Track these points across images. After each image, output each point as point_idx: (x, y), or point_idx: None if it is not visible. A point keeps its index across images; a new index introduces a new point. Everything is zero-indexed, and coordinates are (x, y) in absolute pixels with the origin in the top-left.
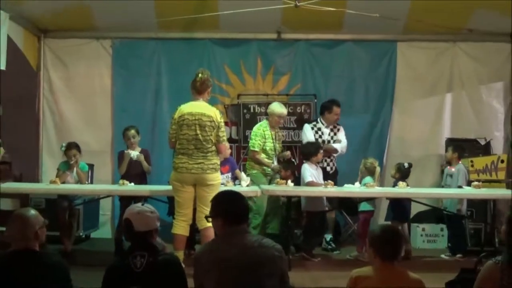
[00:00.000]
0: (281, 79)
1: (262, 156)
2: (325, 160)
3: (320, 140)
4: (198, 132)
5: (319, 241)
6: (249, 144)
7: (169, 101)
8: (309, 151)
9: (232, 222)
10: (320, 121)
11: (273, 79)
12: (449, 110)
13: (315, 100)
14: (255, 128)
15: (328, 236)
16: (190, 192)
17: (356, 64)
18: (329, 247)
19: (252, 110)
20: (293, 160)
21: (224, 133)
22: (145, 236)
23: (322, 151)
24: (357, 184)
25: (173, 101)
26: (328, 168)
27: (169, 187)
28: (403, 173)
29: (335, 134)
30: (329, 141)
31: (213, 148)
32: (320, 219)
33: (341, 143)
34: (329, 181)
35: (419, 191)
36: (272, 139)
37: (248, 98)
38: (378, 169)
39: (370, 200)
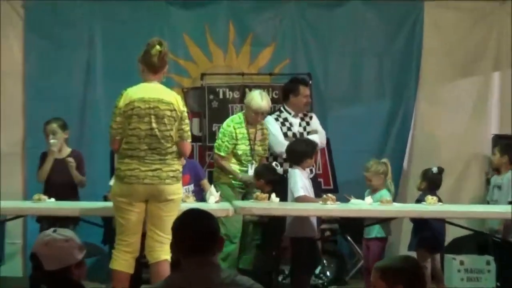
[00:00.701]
0: (262, 52)
1: (232, 162)
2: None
3: (290, 134)
4: (154, 125)
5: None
6: (214, 145)
7: (106, 84)
8: (301, 152)
9: (196, 251)
10: (285, 109)
11: (251, 53)
12: (496, 96)
13: (310, 82)
14: (224, 124)
15: (317, 269)
16: (139, 212)
17: (366, 32)
18: (320, 281)
19: (221, 96)
20: (276, 164)
21: (188, 126)
22: (61, 275)
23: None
24: (368, 200)
25: (112, 83)
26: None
27: (106, 205)
28: (431, 183)
29: (307, 124)
30: (301, 134)
31: (174, 148)
32: (311, 248)
33: (318, 133)
34: (329, 195)
35: (455, 208)
36: (249, 139)
37: (216, 79)
38: (388, 172)
39: (383, 222)
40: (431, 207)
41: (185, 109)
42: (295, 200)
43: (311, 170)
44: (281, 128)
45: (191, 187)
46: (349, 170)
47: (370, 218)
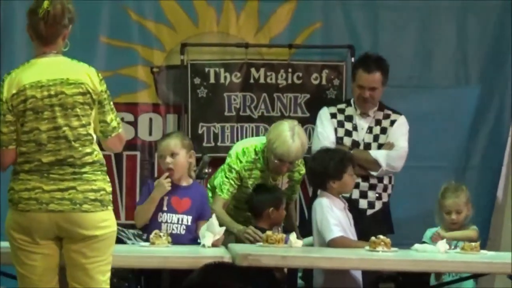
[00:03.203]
0: (276, 11)
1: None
2: (357, 185)
3: (347, 141)
4: (61, 122)
5: None
6: (215, 179)
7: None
8: (327, 169)
9: None
10: (353, 104)
11: (259, 12)
12: None
13: (352, 59)
14: (233, 153)
15: None
16: (49, 256)
17: None
18: None
19: (212, 80)
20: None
21: (114, 113)
22: None
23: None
24: (442, 245)
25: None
26: (362, 203)
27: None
28: None
29: (383, 131)
30: (367, 145)
31: (96, 155)
32: None
33: (391, 148)
34: (381, 237)
35: None
36: (269, 182)
37: (204, 53)
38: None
39: (468, 280)
40: None
41: (104, 87)
42: (327, 245)
43: (349, 200)
44: (336, 129)
45: (187, 218)
46: (411, 198)
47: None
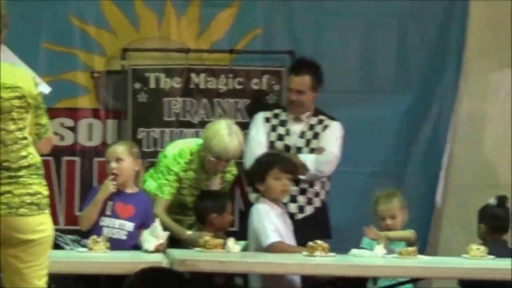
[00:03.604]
0: (218, 16)
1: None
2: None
3: (279, 145)
4: None
5: None
6: (144, 182)
7: None
8: (251, 171)
9: None
10: (287, 108)
11: (200, 17)
12: None
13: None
14: (169, 155)
15: None
16: None
17: None
18: None
19: (152, 85)
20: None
21: (46, 117)
22: None
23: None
24: (379, 249)
25: None
26: (292, 207)
27: None
28: (493, 223)
29: (315, 135)
30: (299, 150)
31: (31, 156)
32: None
33: (321, 153)
34: (319, 242)
35: None
36: (197, 188)
37: (145, 59)
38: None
39: (405, 284)
40: (476, 261)
41: (38, 91)
42: (265, 251)
43: (285, 204)
44: (269, 133)
45: (129, 224)
46: (350, 204)
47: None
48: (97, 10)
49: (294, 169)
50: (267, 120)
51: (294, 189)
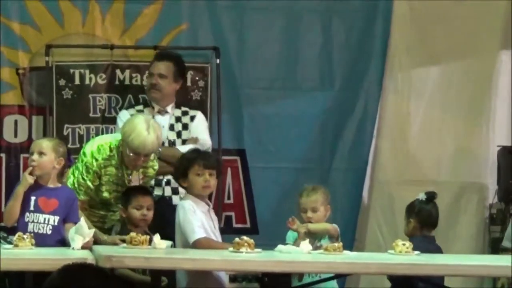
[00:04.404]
0: (143, 12)
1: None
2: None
3: None
4: None
5: None
6: (67, 178)
7: None
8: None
9: None
10: (150, 103)
11: (125, 13)
12: (507, 89)
13: (217, 61)
14: (87, 152)
15: None
16: None
17: None
18: None
19: (77, 81)
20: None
21: None
22: None
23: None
24: (305, 245)
25: None
26: (175, 199)
27: None
28: (422, 219)
29: (184, 127)
30: (173, 142)
31: None
32: None
33: (196, 143)
34: (245, 237)
35: (442, 261)
36: (119, 185)
37: (69, 55)
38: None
39: (331, 280)
40: (401, 257)
41: None
42: (191, 247)
43: (209, 198)
44: None
45: (53, 218)
46: (276, 200)
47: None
48: (21, 6)
49: (214, 165)
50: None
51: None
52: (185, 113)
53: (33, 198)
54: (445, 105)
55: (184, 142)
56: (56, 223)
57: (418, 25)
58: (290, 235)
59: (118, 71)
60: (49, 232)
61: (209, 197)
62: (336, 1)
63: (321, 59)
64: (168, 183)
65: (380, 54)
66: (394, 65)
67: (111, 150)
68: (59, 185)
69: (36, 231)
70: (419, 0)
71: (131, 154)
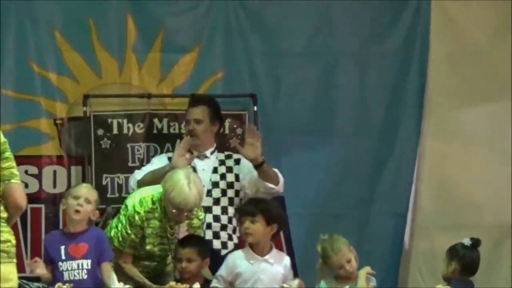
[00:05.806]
0: (179, 61)
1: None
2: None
3: None
4: None
5: None
6: (110, 233)
7: None
8: None
9: None
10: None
11: (162, 63)
12: None
13: (255, 108)
14: (129, 205)
15: None
16: None
17: (340, 27)
18: None
19: (115, 131)
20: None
21: (13, 161)
22: None
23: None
24: None
25: None
26: (216, 243)
27: None
28: (465, 264)
29: (229, 169)
30: (216, 183)
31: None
32: None
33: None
34: (285, 285)
35: None
36: (165, 237)
37: (107, 105)
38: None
39: None
40: None
41: (3, 139)
42: None
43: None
44: None
45: (86, 262)
46: (315, 246)
47: None
48: (59, 56)
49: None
50: (170, 159)
51: (216, 225)
52: (228, 157)
53: (62, 248)
54: (484, 147)
55: (228, 184)
56: (89, 267)
57: (454, 67)
58: (322, 285)
59: (156, 120)
60: (85, 276)
61: None
62: (372, 44)
63: (357, 104)
64: (209, 226)
65: (417, 97)
66: (432, 108)
67: (153, 203)
68: (86, 226)
69: (72, 278)
70: (456, 42)
71: (173, 211)
